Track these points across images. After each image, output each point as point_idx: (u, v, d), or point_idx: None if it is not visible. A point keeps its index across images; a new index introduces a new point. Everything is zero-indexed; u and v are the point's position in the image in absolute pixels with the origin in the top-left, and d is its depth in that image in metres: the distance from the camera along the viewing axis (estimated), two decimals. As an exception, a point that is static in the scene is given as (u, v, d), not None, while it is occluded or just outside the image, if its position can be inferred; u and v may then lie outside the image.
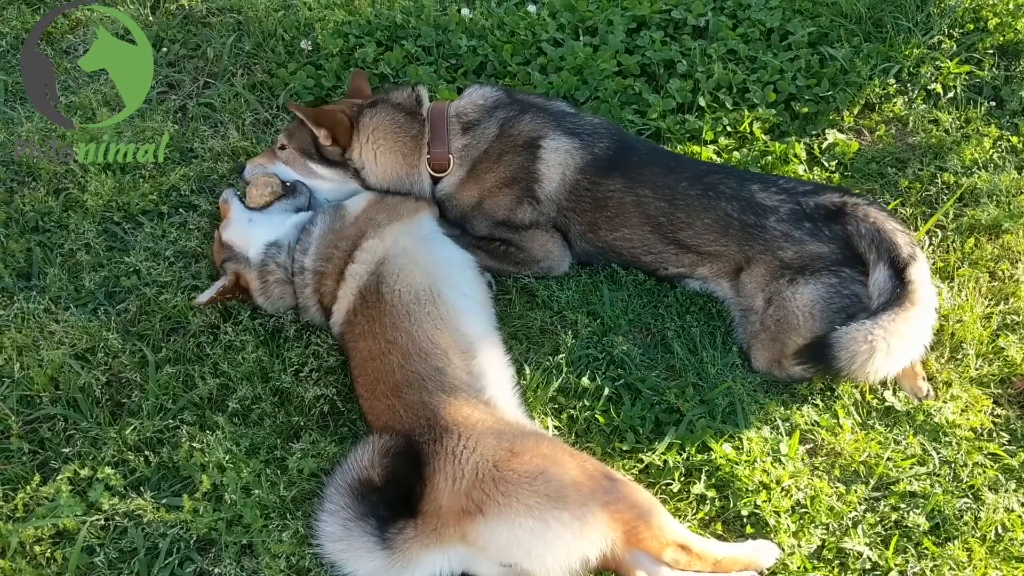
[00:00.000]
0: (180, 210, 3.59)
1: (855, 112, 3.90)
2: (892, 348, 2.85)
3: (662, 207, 3.23)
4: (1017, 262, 3.41)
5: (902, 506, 2.78)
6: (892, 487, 2.83)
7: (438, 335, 2.86)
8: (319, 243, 3.15)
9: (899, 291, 2.93)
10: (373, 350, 2.87)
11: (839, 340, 2.86)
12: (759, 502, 2.76)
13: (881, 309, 2.91)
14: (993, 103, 3.95)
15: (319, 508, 2.60)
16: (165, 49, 4.20)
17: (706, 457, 2.87)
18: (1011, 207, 3.54)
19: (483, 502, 2.47)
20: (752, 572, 2.63)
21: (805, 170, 3.67)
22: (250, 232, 3.25)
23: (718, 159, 3.67)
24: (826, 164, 3.72)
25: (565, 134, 3.31)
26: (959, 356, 3.15)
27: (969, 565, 2.66)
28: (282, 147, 3.45)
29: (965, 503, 2.79)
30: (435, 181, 3.37)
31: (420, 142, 3.34)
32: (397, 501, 2.56)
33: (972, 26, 4.13)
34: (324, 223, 3.20)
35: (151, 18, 4.31)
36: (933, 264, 3.37)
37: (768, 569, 2.65)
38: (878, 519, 2.76)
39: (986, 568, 2.65)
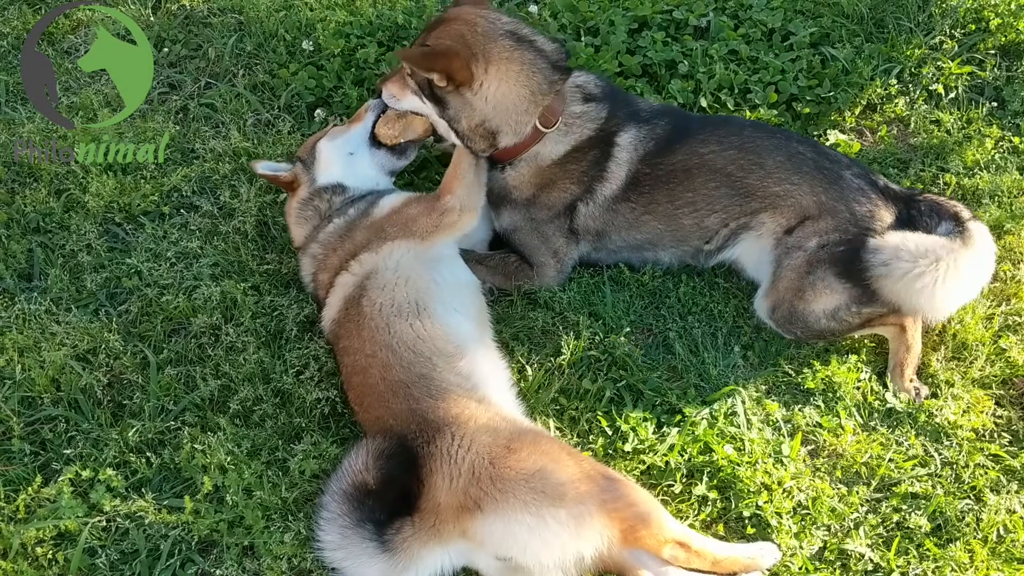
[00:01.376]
0: (181, 211, 3.58)
1: (857, 112, 3.90)
2: (943, 279, 2.94)
3: (730, 155, 3.23)
4: (1019, 263, 3.41)
5: (904, 507, 2.78)
6: (894, 488, 2.83)
7: (420, 344, 2.82)
8: (338, 226, 3.16)
9: (958, 232, 3.04)
10: (355, 366, 2.86)
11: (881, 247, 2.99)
12: (761, 503, 2.76)
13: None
14: (995, 104, 3.95)
15: (317, 516, 2.58)
16: (166, 49, 4.20)
17: (708, 458, 2.86)
18: (1013, 208, 3.54)
19: (481, 499, 2.48)
20: (753, 573, 2.62)
21: (807, 171, 3.66)
22: (337, 164, 3.34)
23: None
24: (828, 165, 3.71)
25: (636, 124, 3.26)
26: (961, 357, 3.15)
27: (971, 566, 2.66)
28: (411, 72, 3.14)
29: (967, 504, 2.79)
30: (528, 145, 3.16)
31: (554, 88, 3.11)
32: (394, 503, 2.56)
33: (974, 26, 4.13)
34: (357, 209, 3.20)
35: (152, 18, 4.31)
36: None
37: (769, 570, 2.65)
38: (880, 520, 2.76)
39: (988, 569, 2.65)
